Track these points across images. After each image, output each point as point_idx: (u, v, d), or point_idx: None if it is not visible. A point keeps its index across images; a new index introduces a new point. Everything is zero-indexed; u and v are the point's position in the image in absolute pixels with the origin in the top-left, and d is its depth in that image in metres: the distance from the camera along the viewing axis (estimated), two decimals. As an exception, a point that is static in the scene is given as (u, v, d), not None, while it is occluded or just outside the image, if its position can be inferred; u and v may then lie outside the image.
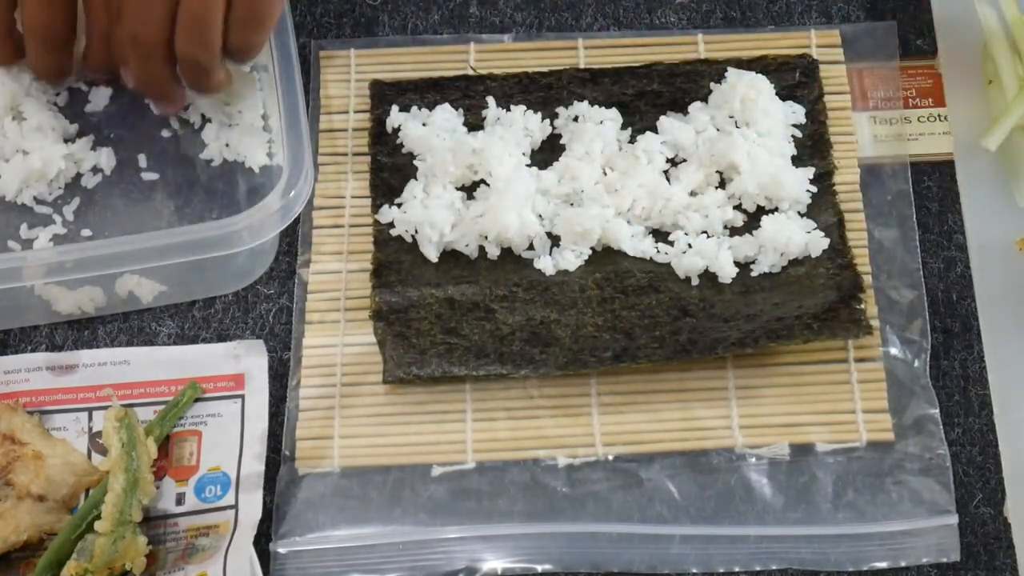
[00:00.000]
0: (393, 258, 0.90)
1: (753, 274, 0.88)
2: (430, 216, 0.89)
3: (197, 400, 0.86)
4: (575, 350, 0.85)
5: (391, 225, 0.91)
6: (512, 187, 0.89)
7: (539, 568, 0.82)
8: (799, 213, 0.90)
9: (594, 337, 0.86)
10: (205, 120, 0.95)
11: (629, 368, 0.86)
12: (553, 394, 0.87)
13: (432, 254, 0.89)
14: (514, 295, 0.88)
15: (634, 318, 0.87)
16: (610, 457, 0.85)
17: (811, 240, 0.88)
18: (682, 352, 0.85)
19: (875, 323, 0.88)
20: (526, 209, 0.89)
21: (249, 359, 0.87)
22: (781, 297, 0.87)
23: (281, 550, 0.82)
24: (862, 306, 0.86)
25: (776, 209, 0.90)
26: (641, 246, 0.89)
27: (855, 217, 0.91)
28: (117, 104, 0.97)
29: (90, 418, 0.86)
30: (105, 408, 0.84)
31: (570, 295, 0.88)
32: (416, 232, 0.90)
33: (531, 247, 0.90)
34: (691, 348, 0.85)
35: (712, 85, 0.94)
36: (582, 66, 0.97)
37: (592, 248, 0.90)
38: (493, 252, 0.90)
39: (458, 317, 0.87)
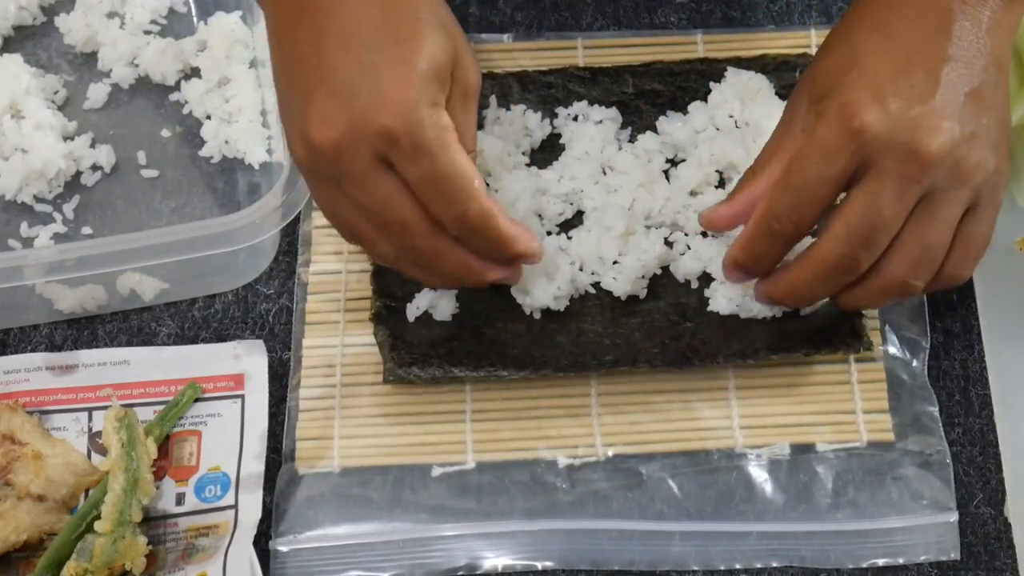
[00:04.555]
0: (393, 260, 0.90)
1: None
2: None
3: (197, 400, 0.86)
4: (576, 353, 0.85)
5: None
6: (512, 187, 0.89)
7: (539, 565, 0.82)
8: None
9: (595, 343, 0.86)
10: (205, 117, 0.95)
11: (630, 368, 0.85)
12: (553, 394, 0.86)
13: None
14: (515, 306, 0.87)
15: (634, 324, 0.87)
16: (610, 454, 0.85)
17: None
18: (683, 359, 0.85)
19: (875, 323, 0.88)
20: (526, 209, 0.89)
21: (249, 359, 0.87)
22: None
23: (281, 548, 0.82)
24: (863, 320, 0.86)
25: (776, 209, 0.90)
26: (645, 258, 0.88)
27: (855, 217, 0.91)
28: (116, 101, 0.97)
29: (90, 418, 0.85)
30: (105, 408, 0.84)
31: (569, 302, 0.87)
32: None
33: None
34: (692, 355, 0.85)
35: (712, 85, 0.94)
36: (582, 65, 0.97)
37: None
38: None
39: (458, 324, 0.87)
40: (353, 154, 0.72)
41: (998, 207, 0.76)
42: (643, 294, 0.87)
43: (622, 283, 0.87)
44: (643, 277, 0.87)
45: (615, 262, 0.87)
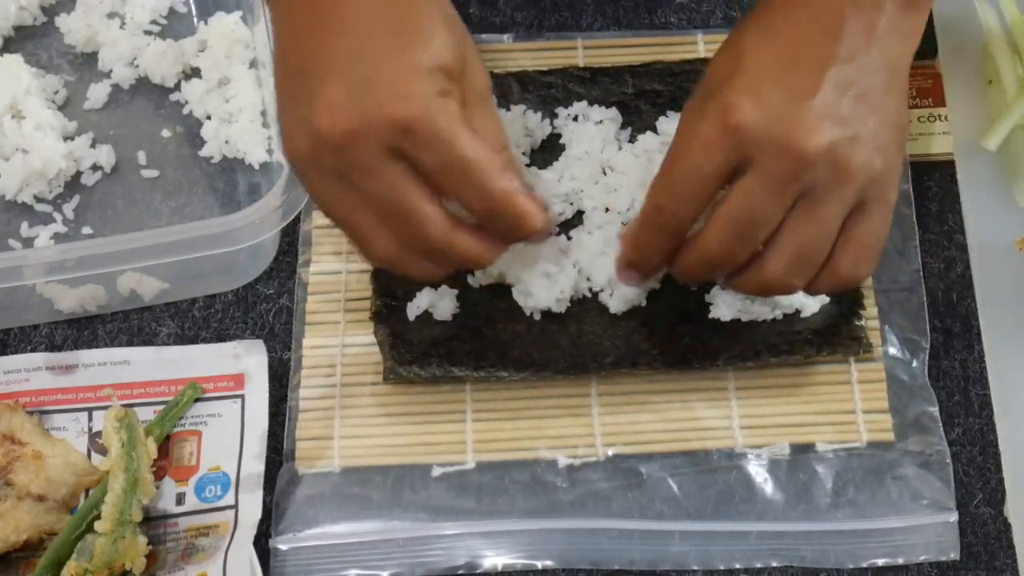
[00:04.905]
0: (393, 259, 0.90)
1: None
2: None
3: (197, 400, 0.86)
4: (575, 355, 0.85)
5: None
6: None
7: (539, 564, 0.82)
8: (799, 213, 0.90)
9: (595, 344, 0.86)
10: (205, 117, 0.95)
11: (630, 370, 0.85)
12: (554, 393, 0.86)
13: None
14: (515, 307, 0.87)
15: (633, 326, 0.87)
16: (610, 454, 0.85)
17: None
18: (682, 360, 0.85)
19: (875, 323, 0.88)
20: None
21: (249, 359, 0.87)
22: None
23: (281, 546, 0.82)
24: (862, 323, 0.86)
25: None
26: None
27: (855, 217, 0.91)
28: (116, 101, 0.97)
29: (90, 418, 0.85)
30: (105, 408, 0.84)
31: (569, 303, 0.87)
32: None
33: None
34: (692, 357, 0.85)
35: (712, 85, 0.94)
36: (582, 65, 0.97)
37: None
38: None
39: (459, 324, 0.87)
40: (364, 144, 0.71)
41: (890, 207, 0.76)
42: (643, 301, 0.87)
43: (618, 302, 0.86)
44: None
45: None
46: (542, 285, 0.86)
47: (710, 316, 0.86)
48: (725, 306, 0.86)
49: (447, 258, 0.76)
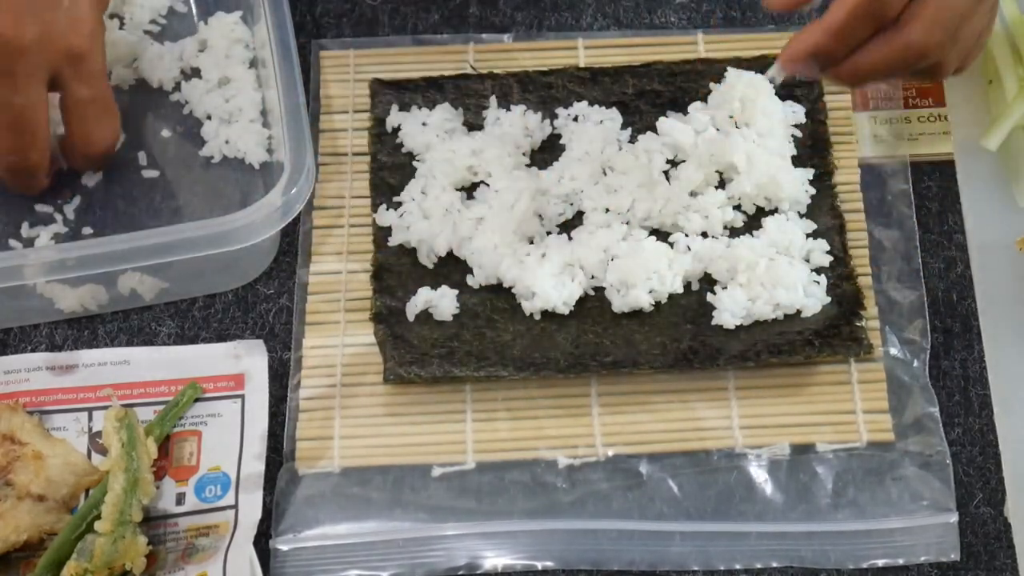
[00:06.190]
0: (393, 260, 0.90)
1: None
2: (424, 231, 0.88)
3: (197, 400, 0.86)
4: (576, 355, 0.85)
5: (391, 231, 0.90)
6: (512, 187, 0.89)
7: (539, 565, 0.82)
8: (799, 214, 0.90)
9: (595, 344, 0.86)
10: (205, 117, 0.95)
11: (630, 370, 0.85)
12: (553, 394, 0.86)
13: (430, 265, 0.89)
14: (515, 307, 0.87)
15: (634, 325, 0.87)
16: (610, 454, 0.85)
17: (808, 289, 0.87)
18: (683, 361, 0.85)
19: (875, 323, 0.88)
20: (525, 209, 0.89)
21: (249, 359, 0.87)
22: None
23: (281, 547, 0.82)
24: (862, 323, 0.86)
25: (776, 210, 0.90)
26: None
27: (855, 217, 0.91)
28: (116, 101, 0.97)
29: (90, 418, 0.85)
30: (105, 408, 0.84)
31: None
32: (416, 245, 0.90)
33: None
34: (692, 357, 0.85)
35: (712, 85, 0.94)
36: (582, 65, 0.97)
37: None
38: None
39: (459, 324, 0.87)
40: (32, 59, 0.81)
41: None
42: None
43: (623, 303, 0.87)
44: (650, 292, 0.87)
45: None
46: (544, 287, 0.86)
47: (713, 323, 0.86)
48: (728, 313, 0.86)
49: (38, 172, 0.88)
